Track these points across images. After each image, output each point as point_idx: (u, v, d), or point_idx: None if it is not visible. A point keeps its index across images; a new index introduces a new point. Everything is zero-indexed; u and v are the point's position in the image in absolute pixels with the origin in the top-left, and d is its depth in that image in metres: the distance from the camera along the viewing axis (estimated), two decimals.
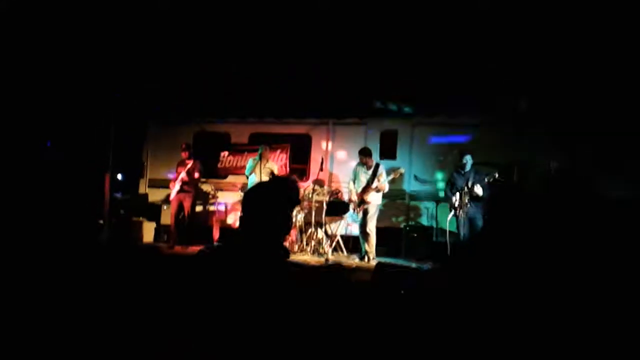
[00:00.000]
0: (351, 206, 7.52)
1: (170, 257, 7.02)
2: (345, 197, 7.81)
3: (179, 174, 7.97)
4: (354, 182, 7.51)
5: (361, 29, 6.24)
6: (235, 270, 1.79)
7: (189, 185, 7.96)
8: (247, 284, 1.73)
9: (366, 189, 7.30)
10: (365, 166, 7.41)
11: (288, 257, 2.00)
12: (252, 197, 1.98)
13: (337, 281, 2.07)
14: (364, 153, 7.42)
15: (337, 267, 4.17)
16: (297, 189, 2.19)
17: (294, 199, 2.03)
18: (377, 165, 7.40)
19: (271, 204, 1.93)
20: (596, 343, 2.06)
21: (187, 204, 7.95)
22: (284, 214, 1.97)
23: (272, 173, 7.93)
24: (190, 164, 7.93)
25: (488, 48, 6.39)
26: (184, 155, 8.05)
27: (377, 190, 7.25)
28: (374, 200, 7.32)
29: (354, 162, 7.77)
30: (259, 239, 1.89)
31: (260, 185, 2.14)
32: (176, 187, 7.95)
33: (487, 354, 2.15)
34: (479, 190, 6.66)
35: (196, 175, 7.97)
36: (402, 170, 7.45)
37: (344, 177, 8.61)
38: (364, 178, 7.39)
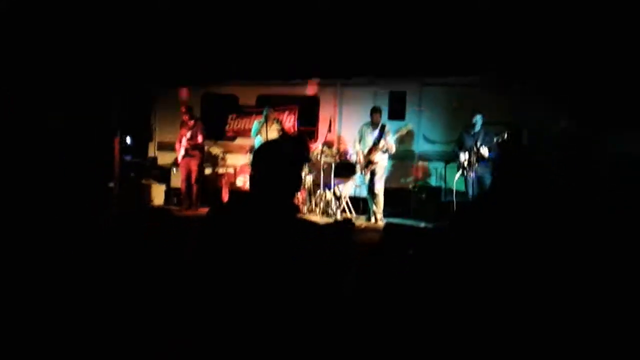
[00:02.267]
0: (358, 167, 7.46)
1: (181, 220, 7.12)
2: (353, 159, 7.79)
3: (181, 136, 7.97)
4: (360, 143, 7.42)
5: None
6: (246, 226, 1.80)
7: (194, 149, 7.95)
8: (258, 239, 1.76)
9: (373, 149, 7.22)
10: (371, 126, 7.32)
11: (298, 213, 2.02)
12: (262, 155, 1.98)
13: (347, 234, 2.09)
14: (376, 110, 7.28)
15: (347, 220, 4.20)
16: (307, 146, 2.19)
17: (304, 156, 2.03)
18: (384, 126, 7.29)
19: (281, 161, 1.93)
20: (598, 303, 2.09)
21: (194, 168, 7.95)
22: (294, 171, 1.97)
23: (281, 129, 7.92)
24: (192, 126, 7.91)
25: (492, 10, 6.25)
26: (184, 118, 8.01)
27: (385, 150, 7.18)
28: (381, 161, 7.24)
29: (362, 124, 7.71)
30: (269, 196, 1.90)
31: (269, 143, 2.13)
32: (181, 151, 7.95)
33: (492, 314, 2.18)
34: (484, 151, 6.63)
35: (199, 138, 7.93)
36: (410, 126, 7.34)
37: (353, 139, 8.60)
38: (370, 138, 7.28)
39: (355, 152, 7.51)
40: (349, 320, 1.93)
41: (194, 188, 8.00)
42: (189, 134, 7.84)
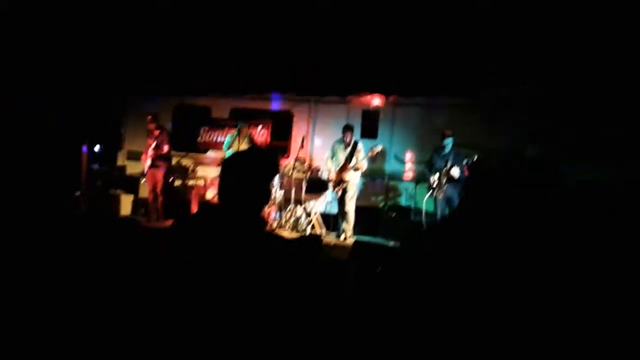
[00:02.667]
0: (330, 185, 7.46)
1: (147, 231, 6.98)
2: (324, 176, 7.80)
3: (148, 146, 7.83)
4: (332, 160, 7.43)
5: (344, 9, 6.18)
6: (212, 237, 1.78)
7: (159, 160, 7.80)
8: (223, 251, 1.74)
9: (344, 167, 7.23)
10: (343, 144, 7.32)
11: (265, 227, 2.01)
12: (231, 166, 1.96)
13: (314, 249, 2.09)
14: (348, 129, 7.30)
15: (315, 236, 4.18)
16: (276, 159, 2.19)
17: (274, 169, 2.02)
18: (356, 143, 7.29)
19: (250, 173, 1.92)
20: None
21: (159, 178, 7.81)
22: (263, 183, 1.96)
23: (251, 140, 7.88)
24: (157, 135, 7.79)
25: (469, 30, 6.40)
26: (150, 127, 7.87)
27: (356, 169, 7.18)
28: (353, 179, 7.25)
29: (334, 141, 7.74)
30: (236, 208, 1.88)
31: (239, 153, 2.13)
32: (148, 162, 7.80)
33: (460, 331, 2.20)
34: (455, 172, 6.74)
35: (165, 148, 7.78)
36: (380, 147, 7.30)
37: (325, 155, 8.64)
38: (342, 156, 7.30)
39: (327, 170, 7.53)
40: (314, 336, 1.92)
41: (159, 199, 7.86)
42: (154, 144, 7.72)
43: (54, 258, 4.06)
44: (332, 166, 7.39)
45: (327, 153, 7.59)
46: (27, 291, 3.25)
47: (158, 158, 7.77)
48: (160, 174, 7.81)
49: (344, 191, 7.25)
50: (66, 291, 3.30)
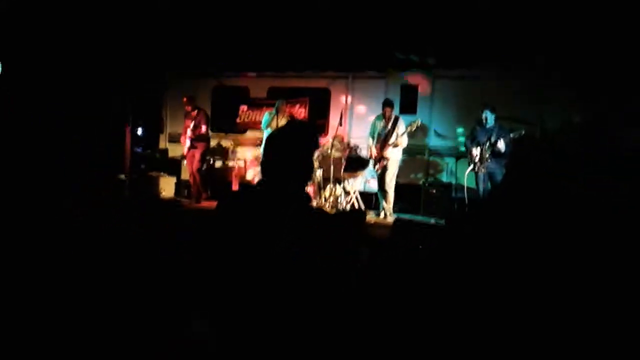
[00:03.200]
0: (371, 162, 7.36)
1: (190, 212, 7.14)
2: (364, 153, 7.70)
3: (186, 128, 7.92)
4: (373, 137, 7.33)
5: None
6: (259, 214, 1.79)
7: (198, 140, 7.87)
8: (270, 227, 1.74)
9: (384, 144, 7.12)
10: (384, 120, 7.20)
11: (311, 201, 1.99)
12: (273, 141, 1.97)
13: (359, 222, 2.06)
14: (387, 104, 7.13)
15: (359, 210, 4.13)
16: (315, 131, 2.16)
17: (314, 142, 2.01)
18: (397, 119, 7.13)
19: (290, 146, 1.92)
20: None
21: (197, 157, 7.89)
22: (305, 157, 1.95)
23: (290, 115, 7.88)
24: (195, 117, 7.85)
25: None
26: (187, 108, 7.94)
27: (395, 145, 7.03)
28: (394, 156, 7.11)
29: (373, 117, 7.61)
30: (281, 184, 1.88)
31: (280, 129, 2.12)
32: (187, 143, 7.89)
33: (501, 311, 2.14)
34: (501, 145, 6.44)
35: (203, 129, 7.81)
36: (419, 121, 7.07)
37: (364, 133, 8.53)
38: (382, 132, 7.16)
39: (368, 147, 7.43)
40: (356, 314, 1.90)
41: (197, 178, 7.96)
42: (192, 125, 7.79)
43: (101, 238, 4.20)
44: (372, 143, 7.28)
45: (368, 130, 7.49)
46: (77, 269, 3.37)
47: (196, 139, 7.85)
48: (198, 154, 7.89)
49: (384, 169, 7.14)
50: (114, 270, 3.41)
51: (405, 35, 7.44)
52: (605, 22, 6.24)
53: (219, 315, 1.69)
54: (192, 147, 7.87)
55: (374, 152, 7.22)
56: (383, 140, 7.11)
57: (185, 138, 7.92)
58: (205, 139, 8.05)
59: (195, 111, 7.90)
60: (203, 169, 8.09)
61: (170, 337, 2.06)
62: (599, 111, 6.86)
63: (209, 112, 8.56)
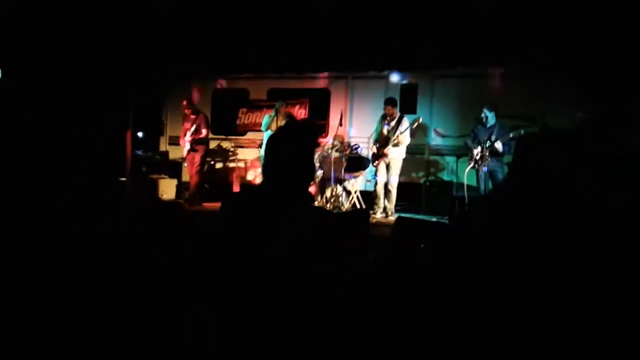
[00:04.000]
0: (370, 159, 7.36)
1: (191, 214, 7.14)
2: (364, 153, 7.69)
3: (185, 130, 7.92)
4: (374, 136, 7.30)
5: None
6: (262, 215, 1.79)
7: (198, 144, 7.89)
8: (274, 227, 1.74)
9: (387, 142, 7.09)
10: (388, 118, 7.19)
11: (313, 202, 2.00)
12: (273, 144, 1.97)
13: (364, 222, 2.06)
14: (390, 103, 7.15)
15: (364, 210, 4.11)
16: (315, 131, 2.18)
17: (314, 141, 2.02)
18: (401, 117, 7.13)
19: (292, 145, 1.92)
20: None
21: (197, 160, 7.91)
22: (306, 157, 1.95)
23: (289, 116, 7.87)
24: (195, 120, 7.84)
25: None
26: (186, 111, 7.94)
27: (395, 144, 7.02)
28: (397, 154, 7.11)
29: (373, 117, 7.61)
30: (283, 184, 1.88)
31: (280, 129, 2.13)
32: (186, 146, 7.89)
33: (505, 313, 2.13)
34: (499, 146, 6.51)
35: (203, 133, 7.84)
36: (419, 120, 7.08)
37: (364, 133, 8.53)
38: (386, 131, 7.17)
39: (371, 145, 7.42)
40: (360, 313, 1.90)
41: (195, 180, 7.96)
42: (193, 128, 7.78)
43: (102, 240, 4.20)
44: (373, 142, 7.25)
45: (372, 130, 7.48)
46: (79, 271, 3.37)
47: (196, 142, 7.86)
48: (198, 157, 7.90)
49: (387, 166, 7.14)
50: (115, 272, 3.40)
51: (404, 34, 7.43)
52: (608, 22, 6.22)
53: (220, 315, 1.68)
54: (192, 150, 7.87)
55: (374, 149, 7.22)
56: (386, 138, 7.11)
57: (184, 141, 7.92)
58: (205, 142, 8.06)
59: (195, 115, 7.90)
60: (204, 171, 8.10)
61: (171, 337, 2.06)
62: (601, 110, 6.84)
63: (209, 115, 8.57)
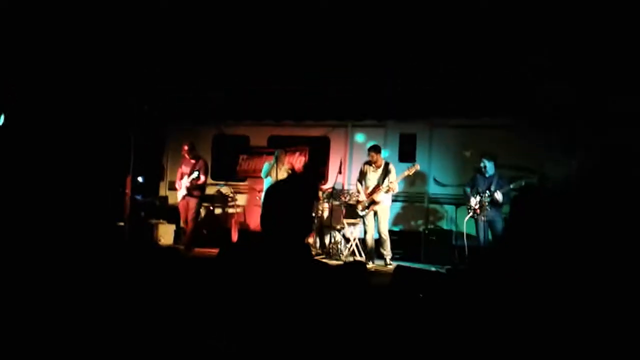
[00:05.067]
0: (359, 207, 7.25)
1: (187, 259, 7.06)
2: (353, 199, 7.68)
3: (182, 174, 7.79)
4: (362, 183, 7.29)
5: (378, 32, 6.18)
6: (259, 266, 1.78)
7: (196, 189, 7.76)
8: (271, 279, 1.73)
9: (375, 189, 7.05)
10: (374, 165, 7.19)
11: (311, 254, 1.99)
12: (272, 195, 1.98)
13: (358, 276, 2.05)
14: (374, 150, 7.16)
15: (359, 262, 4.09)
16: (315, 184, 2.20)
17: (313, 195, 2.03)
18: (387, 164, 7.15)
19: (291, 199, 1.93)
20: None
21: (192, 206, 7.76)
22: (305, 210, 1.96)
23: (291, 168, 7.89)
24: (194, 164, 7.73)
25: (504, 47, 6.26)
26: (187, 155, 7.82)
27: (387, 190, 6.98)
28: (384, 201, 7.06)
29: (364, 162, 7.63)
30: (281, 236, 1.89)
31: (280, 182, 2.14)
32: (182, 191, 7.75)
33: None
34: (499, 196, 6.54)
35: (202, 179, 7.68)
36: (417, 166, 7.09)
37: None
38: (373, 177, 7.15)
39: (357, 192, 7.41)
40: None
41: (191, 226, 7.81)
42: (195, 174, 7.60)
43: (99, 285, 4.13)
44: (361, 188, 7.26)
45: (357, 176, 7.47)
46: (73, 317, 3.30)
47: (194, 187, 7.76)
48: (193, 202, 7.77)
49: (375, 214, 7.08)
50: (108, 317, 3.34)
51: (402, 85, 7.59)
52: (603, 76, 6.35)
53: None
54: (188, 194, 7.78)
55: (364, 197, 7.18)
56: (375, 185, 7.10)
57: (180, 183, 7.84)
58: (202, 188, 7.94)
59: (195, 160, 7.81)
60: (200, 216, 8.05)
61: None
62: (600, 161, 6.89)
63: (209, 161, 8.61)
